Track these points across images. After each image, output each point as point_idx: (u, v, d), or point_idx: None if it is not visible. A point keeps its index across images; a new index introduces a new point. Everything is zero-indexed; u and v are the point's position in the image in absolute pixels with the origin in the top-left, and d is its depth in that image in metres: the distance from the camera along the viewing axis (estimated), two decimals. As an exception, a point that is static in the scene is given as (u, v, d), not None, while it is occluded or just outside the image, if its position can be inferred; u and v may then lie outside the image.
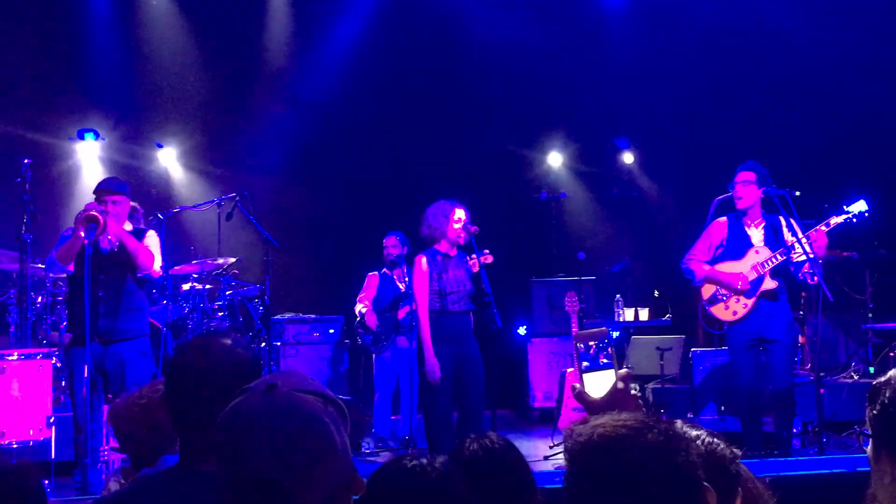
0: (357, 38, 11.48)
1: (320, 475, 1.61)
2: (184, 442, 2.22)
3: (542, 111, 12.00)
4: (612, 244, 11.58)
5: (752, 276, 6.91)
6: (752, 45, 11.69)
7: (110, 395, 6.51)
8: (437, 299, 6.91)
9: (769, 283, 6.90)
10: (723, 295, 7.06)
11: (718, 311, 7.10)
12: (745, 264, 6.96)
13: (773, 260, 6.85)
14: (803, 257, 6.80)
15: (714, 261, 7.13)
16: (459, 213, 6.97)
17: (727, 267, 7.04)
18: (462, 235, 6.98)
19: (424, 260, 6.95)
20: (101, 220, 6.05)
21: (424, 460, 2.22)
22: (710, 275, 7.08)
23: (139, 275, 6.50)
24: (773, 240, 6.97)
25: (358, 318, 8.99)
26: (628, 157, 12.26)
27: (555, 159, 12.28)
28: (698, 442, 2.00)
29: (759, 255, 6.93)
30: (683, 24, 11.67)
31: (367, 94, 11.44)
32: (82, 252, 6.07)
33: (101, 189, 6.49)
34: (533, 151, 12.16)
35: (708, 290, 7.15)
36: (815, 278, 6.77)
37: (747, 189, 7.01)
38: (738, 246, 7.05)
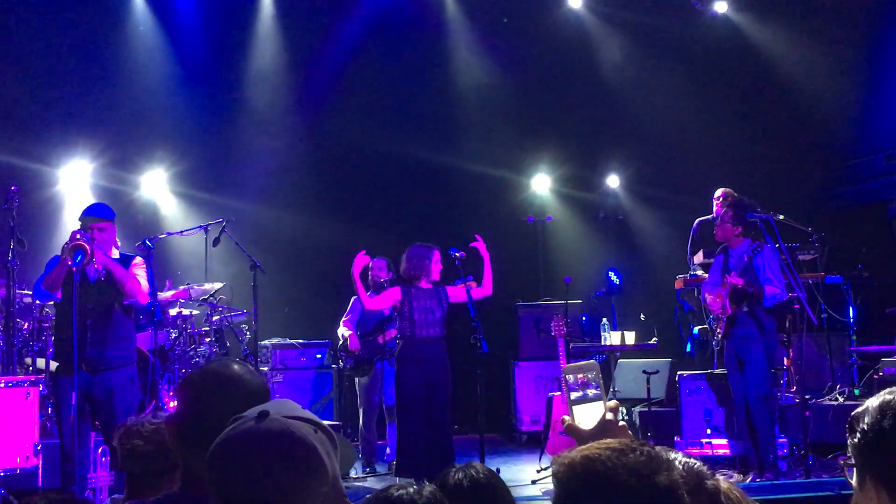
0: (343, 64, 11.56)
1: (311, 500, 1.64)
2: (185, 467, 2.22)
3: (528, 135, 12.07)
4: (599, 268, 11.63)
5: (720, 302, 7.57)
6: (736, 69, 11.83)
7: (97, 423, 6.49)
8: (407, 326, 7.63)
9: (727, 310, 7.50)
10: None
11: (716, 329, 7.82)
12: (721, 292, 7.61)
13: (726, 289, 7.47)
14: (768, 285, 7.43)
15: (715, 286, 7.75)
16: (437, 256, 7.76)
17: (715, 293, 7.67)
18: (442, 272, 7.78)
19: (400, 290, 7.74)
20: (89, 249, 6.04)
21: (412, 489, 2.24)
22: (703, 300, 7.87)
23: (126, 302, 6.49)
24: (743, 270, 7.45)
25: (340, 342, 8.98)
26: (614, 181, 12.33)
27: (541, 183, 12.33)
28: (676, 462, 2.03)
29: (725, 285, 7.54)
30: (669, 50, 11.80)
31: (354, 120, 11.50)
32: (69, 280, 6.06)
33: (87, 216, 6.46)
34: (519, 175, 12.22)
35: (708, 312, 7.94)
36: (773, 302, 7.43)
37: (739, 240, 7.66)
38: (722, 275, 7.66)
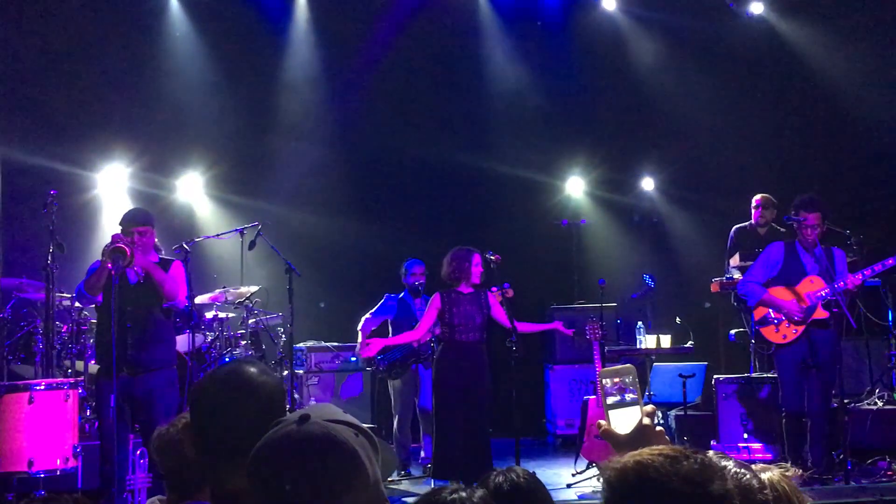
0: (377, 68, 11.59)
1: (352, 504, 1.64)
2: (214, 481, 2.16)
3: (563, 138, 12.04)
4: (633, 271, 11.56)
5: (805, 304, 7.24)
6: (772, 70, 11.74)
7: (137, 426, 6.56)
8: (447, 330, 7.61)
9: (821, 313, 7.23)
10: (774, 318, 7.38)
11: (769, 332, 7.44)
12: (799, 292, 7.28)
13: (826, 292, 7.18)
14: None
15: (768, 284, 7.43)
16: (478, 259, 7.65)
17: (780, 292, 7.35)
18: (481, 275, 7.68)
19: (440, 297, 7.64)
20: (129, 253, 6.12)
21: (464, 493, 2.24)
22: (768, 299, 7.39)
23: (165, 304, 6.56)
24: (829, 271, 7.23)
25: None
26: (648, 184, 12.26)
27: (575, 186, 12.29)
28: (727, 471, 2.01)
29: (813, 284, 7.25)
30: (704, 51, 11.72)
31: (387, 123, 11.54)
32: (110, 283, 6.14)
33: (128, 221, 6.56)
34: (553, 178, 12.18)
35: (760, 312, 7.50)
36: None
37: (816, 231, 7.30)
38: (793, 272, 7.36)
